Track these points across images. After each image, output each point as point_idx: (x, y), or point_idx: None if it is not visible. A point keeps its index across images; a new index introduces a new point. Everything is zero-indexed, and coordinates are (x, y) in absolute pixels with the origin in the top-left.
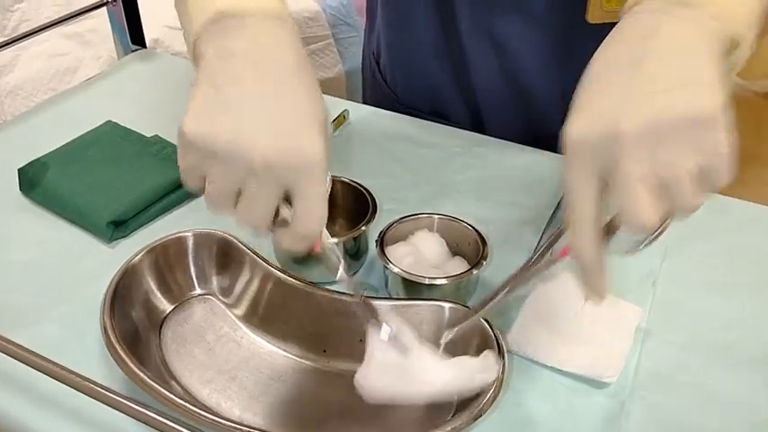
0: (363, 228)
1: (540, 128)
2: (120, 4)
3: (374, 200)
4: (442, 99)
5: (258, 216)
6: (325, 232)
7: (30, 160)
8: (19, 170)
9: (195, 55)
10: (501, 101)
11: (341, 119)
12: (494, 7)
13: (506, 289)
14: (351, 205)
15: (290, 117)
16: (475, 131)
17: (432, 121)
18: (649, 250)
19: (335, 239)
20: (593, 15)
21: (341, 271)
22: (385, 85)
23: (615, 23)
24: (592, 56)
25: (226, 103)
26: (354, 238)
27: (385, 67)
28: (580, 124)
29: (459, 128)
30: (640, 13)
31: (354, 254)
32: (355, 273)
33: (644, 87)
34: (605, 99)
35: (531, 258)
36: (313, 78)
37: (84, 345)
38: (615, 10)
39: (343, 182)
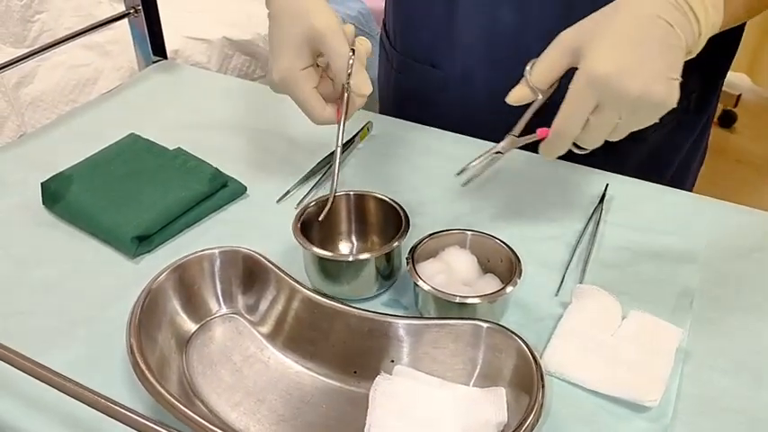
0: (396, 243)
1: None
2: (142, 15)
3: (407, 215)
4: (437, 48)
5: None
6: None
7: (51, 174)
8: (42, 184)
9: None
10: (489, 54)
11: (364, 131)
12: None
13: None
14: (383, 221)
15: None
16: (464, 85)
17: (428, 69)
18: (685, 267)
19: (368, 255)
20: None
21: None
22: (388, 42)
23: None
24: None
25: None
26: (387, 255)
27: (389, 23)
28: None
29: (451, 81)
30: None
31: (387, 270)
32: (386, 290)
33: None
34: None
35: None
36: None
37: (110, 366)
38: None
39: (374, 197)
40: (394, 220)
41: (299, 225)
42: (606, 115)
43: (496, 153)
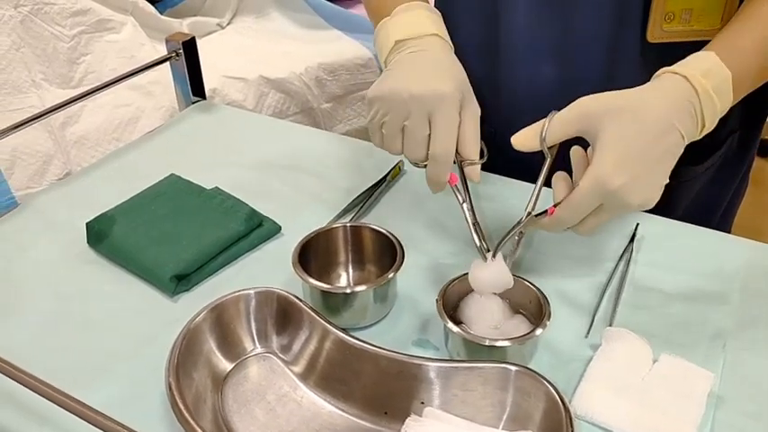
0: (391, 275)
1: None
2: (183, 58)
3: (402, 246)
4: (482, 105)
5: (414, 146)
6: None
7: (96, 212)
8: (87, 224)
9: (385, 64)
10: (533, 107)
11: (396, 170)
12: (542, 12)
13: (512, 233)
14: (379, 253)
15: (432, 75)
16: (508, 136)
17: None
18: (718, 310)
19: (364, 287)
20: (653, 35)
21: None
22: None
23: (671, 43)
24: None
25: (394, 75)
26: (383, 285)
27: None
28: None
29: (496, 134)
30: None
31: (383, 300)
32: (382, 319)
33: None
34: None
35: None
36: (462, 72)
37: (148, 403)
38: (674, 31)
39: (370, 228)
40: (390, 250)
41: (297, 257)
42: (604, 216)
43: (520, 234)
